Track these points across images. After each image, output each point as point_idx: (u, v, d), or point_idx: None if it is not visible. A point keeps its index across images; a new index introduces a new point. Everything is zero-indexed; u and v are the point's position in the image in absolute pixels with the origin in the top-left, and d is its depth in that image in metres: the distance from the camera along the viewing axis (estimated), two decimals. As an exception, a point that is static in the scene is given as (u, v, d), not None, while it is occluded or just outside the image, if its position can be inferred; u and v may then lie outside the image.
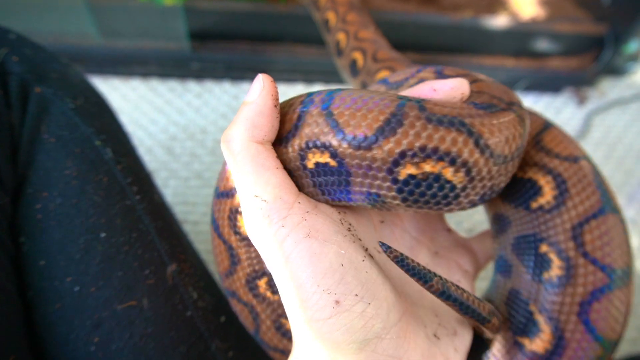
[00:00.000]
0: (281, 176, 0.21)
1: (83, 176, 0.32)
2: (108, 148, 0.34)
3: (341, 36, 0.51)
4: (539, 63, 0.79)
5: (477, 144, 0.20)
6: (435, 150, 0.19)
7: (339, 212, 0.22)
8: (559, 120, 0.77)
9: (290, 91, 0.75)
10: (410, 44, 0.76)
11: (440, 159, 0.19)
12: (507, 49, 0.78)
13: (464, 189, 0.21)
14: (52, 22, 0.69)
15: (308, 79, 0.76)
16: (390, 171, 0.20)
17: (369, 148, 0.19)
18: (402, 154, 0.19)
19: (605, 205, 0.24)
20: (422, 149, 0.19)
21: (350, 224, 0.22)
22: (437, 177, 0.20)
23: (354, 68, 0.47)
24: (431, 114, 0.19)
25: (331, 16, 0.54)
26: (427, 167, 0.20)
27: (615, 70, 0.83)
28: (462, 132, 0.19)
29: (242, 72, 0.75)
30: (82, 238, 0.30)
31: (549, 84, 0.80)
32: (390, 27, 0.72)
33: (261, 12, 0.70)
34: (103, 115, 0.37)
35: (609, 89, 0.82)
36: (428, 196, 0.20)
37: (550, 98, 0.80)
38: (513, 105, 0.22)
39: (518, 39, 0.76)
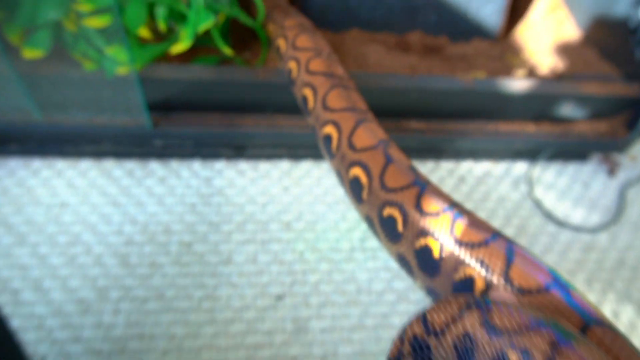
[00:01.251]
0: None
1: None
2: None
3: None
4: (563, 128, 0.68)
5: None
6: None
7: None
8: (589, 195, 0.66)
9: (274, 170, 0.63)
10: (416, 110, 0.64)
11: None
12: (527, 113, 0.67)
13: None
14: (-22, 97, 0.57)
15: (294, 154, 0.64)
16: None
17: None
18: None
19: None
20: None
21: None
22: None
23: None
24: None
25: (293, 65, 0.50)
26: None
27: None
28: None
29: (214, 149, 0.63)
30: None
31: (575, 151, 0.69)
32: (392, 92, 0.61)
33: (235, 80, 0.57)
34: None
35: (642, 153, 0.72)
36: None
37: (576, 167, 0.69)
38: None
39: (539, 102, 0.65)
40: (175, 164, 0.62)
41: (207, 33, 0.58)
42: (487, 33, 0.76)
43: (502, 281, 0.27)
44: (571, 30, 0.79)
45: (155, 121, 0.60)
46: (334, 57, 0.50)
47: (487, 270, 0.28)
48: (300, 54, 0.49)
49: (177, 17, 0.56)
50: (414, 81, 0.60)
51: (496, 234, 0.31)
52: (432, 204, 0.32)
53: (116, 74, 0.54)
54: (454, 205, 0.32)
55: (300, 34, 0.52)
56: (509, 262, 0.28)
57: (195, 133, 0.61)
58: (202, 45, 0.64)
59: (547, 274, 0.27)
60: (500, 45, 0.77)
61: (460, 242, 0.30)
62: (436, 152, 0.67)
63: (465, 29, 0.75)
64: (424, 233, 0.32)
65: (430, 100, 0.63)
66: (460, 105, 0.64)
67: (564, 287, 0.26)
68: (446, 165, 0.67)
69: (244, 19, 0.57)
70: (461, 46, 0.76)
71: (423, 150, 0.66)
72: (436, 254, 0.31)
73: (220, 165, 0.62)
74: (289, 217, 0.59)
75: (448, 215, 0.31)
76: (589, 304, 0.26)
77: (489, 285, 0.28)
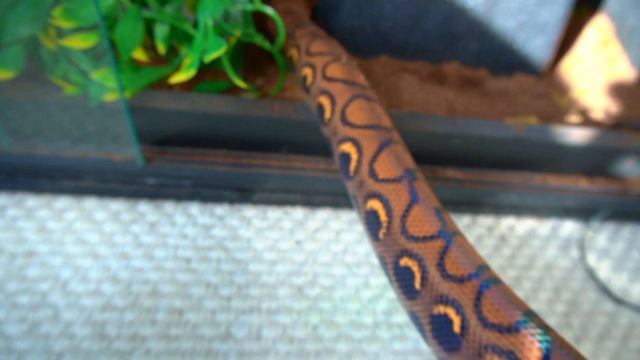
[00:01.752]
0: None
1: None
2: None
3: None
4: (621, 185, 0.59)
5: None
6: None
7: None
8: (649, 264, 0.56)
9: (285, 219, 0.53)
10: (454, 157, 0.55)
11: None
12: (580, 166, 0.58)
13: None
14: None
15: (310, 201, 0.54)
16: None
17: None
18: None
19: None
20: None
21: None
22: None
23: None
24: None
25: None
26: None
27: None
28: None
29: (216, 191, 0.53)
30: None
31: (633, 212, 0.60)
32: (430, 137, 0.51)
33: (245, 114, 0.48)
34: None
35: None
36: None
37: (633, 230, 0.60)
38: None
39: (596, 155, 0.56)
40: (169, 207, 0.52)
41: (215, 56, 0.49)
42: (531, 67, 0.67)
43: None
44: (625, 69, 0.70)
45: (147, 156, 0.51)
46: (353, 63, 0.43)
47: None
48: (315, 59, 0.42)
49: (181, 37, 0.46)
50: (458, 126, 0.51)
51: (528, 316, 0.25)
52: (457, 265, 0.27)
53: (103, 100, 0.45)
54: (483, 269, 0.27)
55: (318, 43, 0.45)
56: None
57: (194, 172, 0.51)
58: (208, 68, 0.54)
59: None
60: (546, 82, 0.68)
61: (486, 323, 0.25)
62: (474, 205, 0.57)
63: (509, 61, 0.66)
64: (443, 300, 0.27)
65: (472, 147, 0.53)
66: (506, 154, 0.55)
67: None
68: (485, 221, 0.57)
69: (261, 42, 0.47)
70: (502, 81, 0.67)
71: (460, 203, 0.57)
72: (457, 329, 0.26)
73: (222, 210, 0.53)
74: (302, 280, 0.49)
75: (475, 285, 0.26)
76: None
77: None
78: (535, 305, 0.52)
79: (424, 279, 0.28)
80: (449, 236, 0.29)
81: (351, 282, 0.50)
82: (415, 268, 0.29)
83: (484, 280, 0.27)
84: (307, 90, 0.43)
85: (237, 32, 0.44)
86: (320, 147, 0.52)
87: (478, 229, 0.57)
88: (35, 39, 0.41)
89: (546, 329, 0.24)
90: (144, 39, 0.43)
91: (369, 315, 0.48)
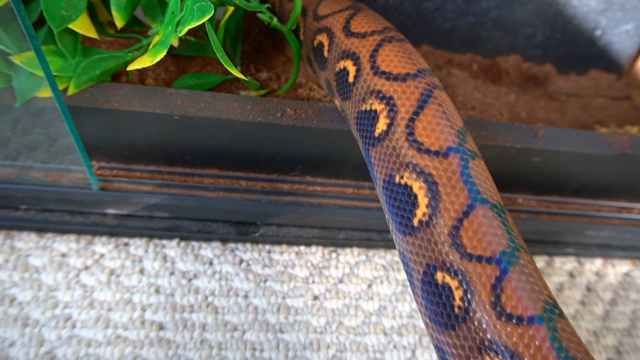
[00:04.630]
0: None
1: None
2: None
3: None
4: None
5: None
6: None
7: None
8: None
9: (298, 263, 0.39)
10: (526, 180, 0.40)
11: None
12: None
13: None
14: None
15: (332, 239, 0.40)
16: None
17: None
18: None
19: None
20: None
21: None
22: None
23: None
24: None
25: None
26: None
27: None
28: None
29: (204, 225, 0.38)
30: None
31: None
32: (499, 153, 0.37)
33: (242, 120, 0.34)
34: None
35: None
36: None
37: None
38: None
39: None
40: (136, 247, 0.38)
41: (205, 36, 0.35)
42: (611, 62, 0.52)
43: (403, 128, 0.24)
44: None
45: (106, 177, 0.36)
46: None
47: (393, 111, 0.25)
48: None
49: (152, 5, 0.32)
50: (540, 139, 0.37)
51: (422, 72, 0.26)
52: (363, 25, 0.29)
53: (36, 97, 0.31)
54: (388, 29, 0.28)
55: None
56: (420, 108, 0.24)
57: (172, 198, 0.36)
58: (193, 55, 0.40)
59: (455, 137, 0.23)
60: (625, 81, 0.54)
61: (377, 70, 0.26)
62: (552, 244, 0.43)
63: (583, 54, 0.51)
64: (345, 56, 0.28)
65: (554, 168, 0.39)
66: (598, 176, 0.41)
67: (466, 155, 0.23)
68: (565, 265, 0.43)
69: (268, 18, 0.33)
70: (573, 79, 0.52)
71: (533, 240, 0.43)
72: (351, 79, 0.28)
73: (210, 251, 0.38)
74: (322, 357, 0.35)
75: (376, 39, 0.28)
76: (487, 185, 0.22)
77: (389, 128, 0.25)
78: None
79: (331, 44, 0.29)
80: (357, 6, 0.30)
81: (392, 359, 0.35)
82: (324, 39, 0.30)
83: (386, 36, 0.28)
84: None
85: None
86: (348, 166, 0.37)
87: (556, 276, 0.42)
88: None
89: (434, 87, 0.25)
90: (92, 6, 0.28)
91: (420, 410, 0.33)
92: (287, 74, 0.42)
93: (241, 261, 0.38)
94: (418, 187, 0.23)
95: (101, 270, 0.36)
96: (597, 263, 0.43)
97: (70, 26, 0.27)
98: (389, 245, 0.40)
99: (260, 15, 0.33)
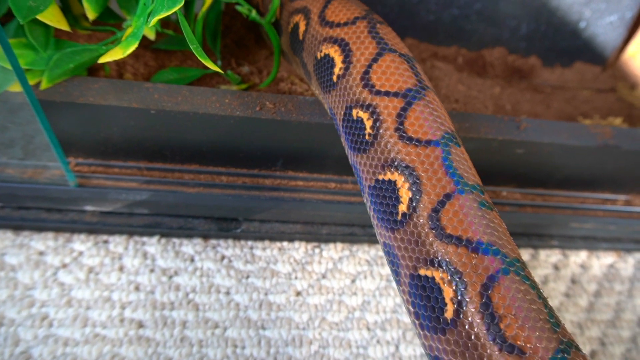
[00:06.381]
0: None
1: None
2: None
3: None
4: None
5: None
6: None
7: None
8: None
9: (281, 259, 0.38)
10: (510, 173, 0.40)
11: None
12: (677, 183, 0.43)
13: None
14: None
15: (315, 234, 0.39)
16: None
17: None
18: None
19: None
20: None
21: None
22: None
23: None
24: None
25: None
26: None
27: None
28: None
29: (184, 222, 0.38)
30: None
31: None
32: (483, 146, 0.37)
33: (225, 115, 0.33)
34: None
35: None
36: None
37: None
38: None
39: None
40: (116, 245, 0.37)
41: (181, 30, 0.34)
42: (595, 54, 0.52)
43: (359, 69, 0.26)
44: None
45: (83, 173, 0.35)
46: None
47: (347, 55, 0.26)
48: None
49: (126, -2, 0.31)
50: (523, 131, 0.36)
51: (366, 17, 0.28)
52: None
53: (11, 93, 0.30)
54: None
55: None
56: (377, 57, 0.26)
57: (152, 194, 0.36)
58: (172, 49, 0.40)
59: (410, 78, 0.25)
60: (609, 73, 0.54)
61: (325, 21, 0.28)
62: (536, 237, 0.43)
63: (568, 47, 0.51)
64: (297, 12, 0.30)
65: (538, 160, 0.39)
66: (582, 168, 0.40)
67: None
68: (550, 258, 0.43)
69: (245, 10, 0.33)
70: (558, 71, 0.52)
71: (517, 233, 0.42)
72: (301, 32, 0.30)
73: (191, 248, 0.38)
74: (304, 353, 0.34)
75: None
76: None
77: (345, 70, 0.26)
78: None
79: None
80: None
81: (375, 354, 0.35)
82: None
83: None
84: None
85: (209, -11, 0.29)
86: (330, 160, 0.37)
87: (541, 268, 0.42)
88: None
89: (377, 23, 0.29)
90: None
91: (403, 405, 0.33)
92: (269, 68, 0.41)
93: (223, 257, 0.38)
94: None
95: (79, 268, 0.35)
96: (582, 255, 0.43)
97: (39, 18, 0.27)
98: (372, 240, 0.40)
99: (238, 7, 0.33)
